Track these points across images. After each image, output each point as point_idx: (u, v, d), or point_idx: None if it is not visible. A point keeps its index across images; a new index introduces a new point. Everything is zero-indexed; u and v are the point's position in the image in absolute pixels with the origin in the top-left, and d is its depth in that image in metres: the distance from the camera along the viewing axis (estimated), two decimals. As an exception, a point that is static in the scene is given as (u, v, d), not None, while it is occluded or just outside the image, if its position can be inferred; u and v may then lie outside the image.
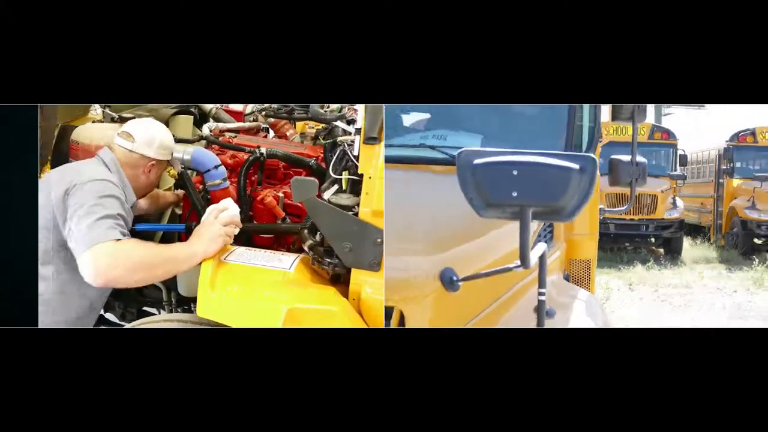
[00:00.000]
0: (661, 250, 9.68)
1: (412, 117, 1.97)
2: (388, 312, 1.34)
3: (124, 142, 2.27)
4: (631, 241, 9.57)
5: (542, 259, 1.38)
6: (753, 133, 9.86)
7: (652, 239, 9.61)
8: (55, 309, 2.06)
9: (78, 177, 2.06)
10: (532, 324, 1.44)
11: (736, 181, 9.85)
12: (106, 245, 1.85)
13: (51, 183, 2.09)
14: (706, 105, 14.87)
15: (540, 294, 1.38)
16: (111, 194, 2.04)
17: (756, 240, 9.28)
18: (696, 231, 11.38)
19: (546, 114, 1.85)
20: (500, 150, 1.25)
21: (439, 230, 1.51)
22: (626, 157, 1.91)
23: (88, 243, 1.85)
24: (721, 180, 10.27)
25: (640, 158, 1.99)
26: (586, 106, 1.95)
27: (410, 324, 1.33)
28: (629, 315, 5.84)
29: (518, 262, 1.29)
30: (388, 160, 1.76)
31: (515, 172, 1.20)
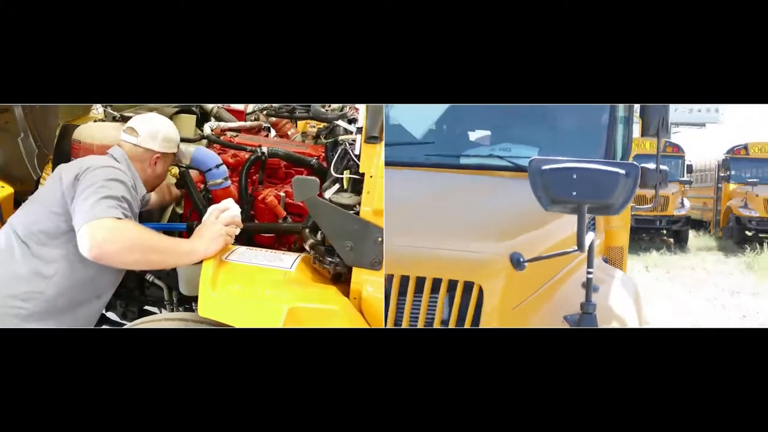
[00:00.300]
0: (671, 240, 11.95)
1: (477, 134, 2.45)
2: (469, 285, 1.65)
3: (129, 137, 2.36)
4: (648, 233, 11.93)
5: (591, 245, 1.66)
6: (745, 147, 12.42)
7: (664, 231, 12.07)
8: (62, 292, 2.09)
9: (88, 164, 2.14)
10: (581, 297, 1.71)
11: (732, 186, 12.31)
12: (105, 220, 1.90)
13: (62, 170, 2.17)
14: (705, 124, 17.94)
15: (588, 273, 1.66)
16: (118, 179, 2.10)
17: (747, 232, 11.56)
18: (699, 225, 13.83)
19: (588, 131, 2.30)
20: (562, 158, 1.57)
21: (508, 222, 1.86)
22: (652, 165, 2.24)
23: (88, 218, 1.90)
24: (719, 185, 12.80)
25: (663, 167, 2.35)
26: (621, 125, 2.37)
27: (487, 295, 1.65)
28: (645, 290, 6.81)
29: (575, 247, 1.60)
30: (464, 167, 2.25)
31: (575, 176, 1.53)
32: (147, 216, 2.73)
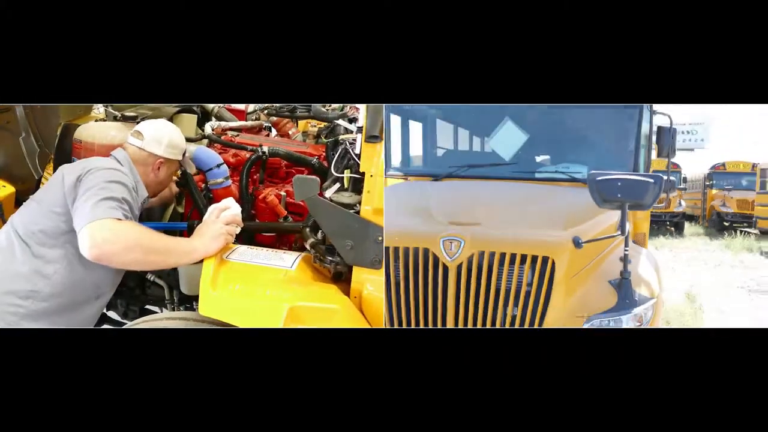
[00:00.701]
0: (673, 229, 16.24)
1: (541, 156, 3.41)
2: (545, 259, 2.24)
3: (135, 140, 2.38)
4: (656, 224, 15.73)
5: (628, 231, 2.27)
6: (723, 164, 17.73)
7: (668, 223, 16.34)
8: (61, 292, 2.10)
9: (90, 166, 2.16)
10: (619, 266, 2.30)
11: (714, 191, 17.40)
12: (105, 221, 1.92)
13: (65, 171, 2.18)
14: (694, 149, 23.62)
15: (625, 250, 2.28)
16: (119, 181, 2.11)
17: (725, 223, 16.42)
18: (691, 218, 18.85)
19: (620, 154, 3.16)
20: (610, 172, 2.22)
21: (570, 216, 2.56)
22: (664, 177, 2.86)
23: (89, 219, 1.92)
24: (705, 190, 18.08)
25: (671, 178, 3.26)
26: (642, 149, 3.20)
27: (558, 266, 2.25)
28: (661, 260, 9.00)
29: (619, 232, 2.25)
30: (539, 179, 3.14)
31: (619, 184, 2.18)
32: (148, 215, 2.73)
